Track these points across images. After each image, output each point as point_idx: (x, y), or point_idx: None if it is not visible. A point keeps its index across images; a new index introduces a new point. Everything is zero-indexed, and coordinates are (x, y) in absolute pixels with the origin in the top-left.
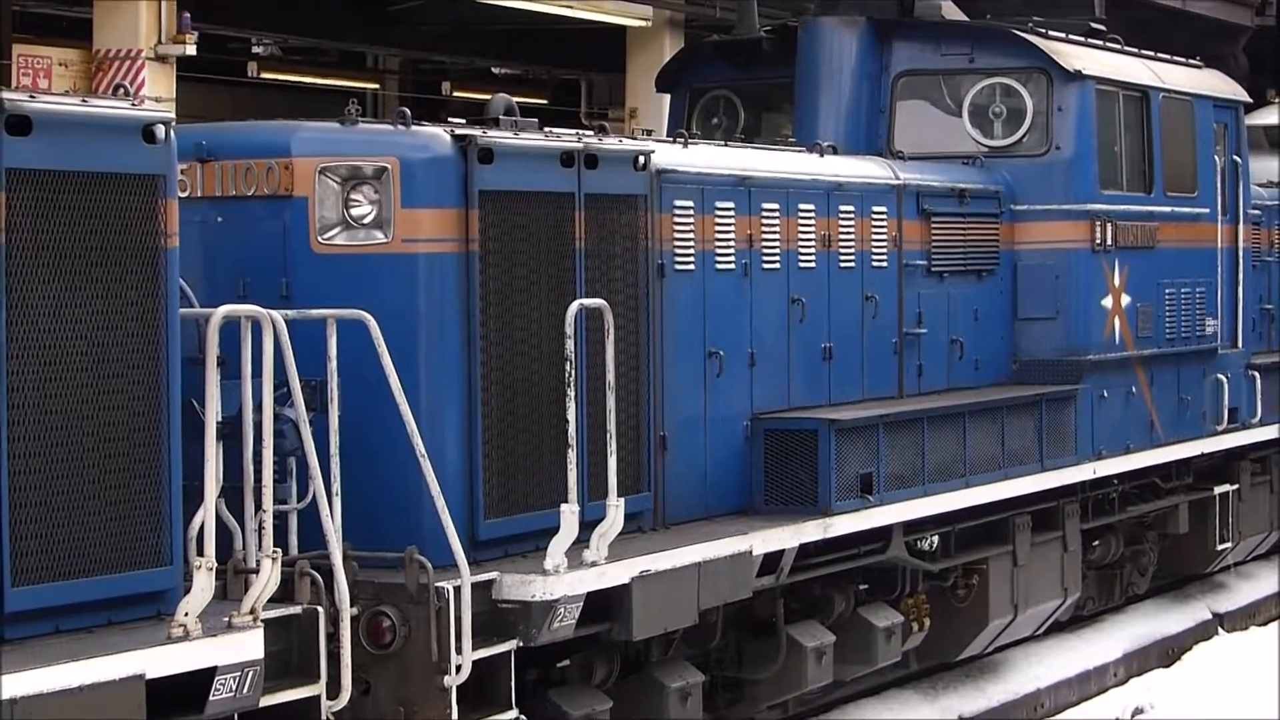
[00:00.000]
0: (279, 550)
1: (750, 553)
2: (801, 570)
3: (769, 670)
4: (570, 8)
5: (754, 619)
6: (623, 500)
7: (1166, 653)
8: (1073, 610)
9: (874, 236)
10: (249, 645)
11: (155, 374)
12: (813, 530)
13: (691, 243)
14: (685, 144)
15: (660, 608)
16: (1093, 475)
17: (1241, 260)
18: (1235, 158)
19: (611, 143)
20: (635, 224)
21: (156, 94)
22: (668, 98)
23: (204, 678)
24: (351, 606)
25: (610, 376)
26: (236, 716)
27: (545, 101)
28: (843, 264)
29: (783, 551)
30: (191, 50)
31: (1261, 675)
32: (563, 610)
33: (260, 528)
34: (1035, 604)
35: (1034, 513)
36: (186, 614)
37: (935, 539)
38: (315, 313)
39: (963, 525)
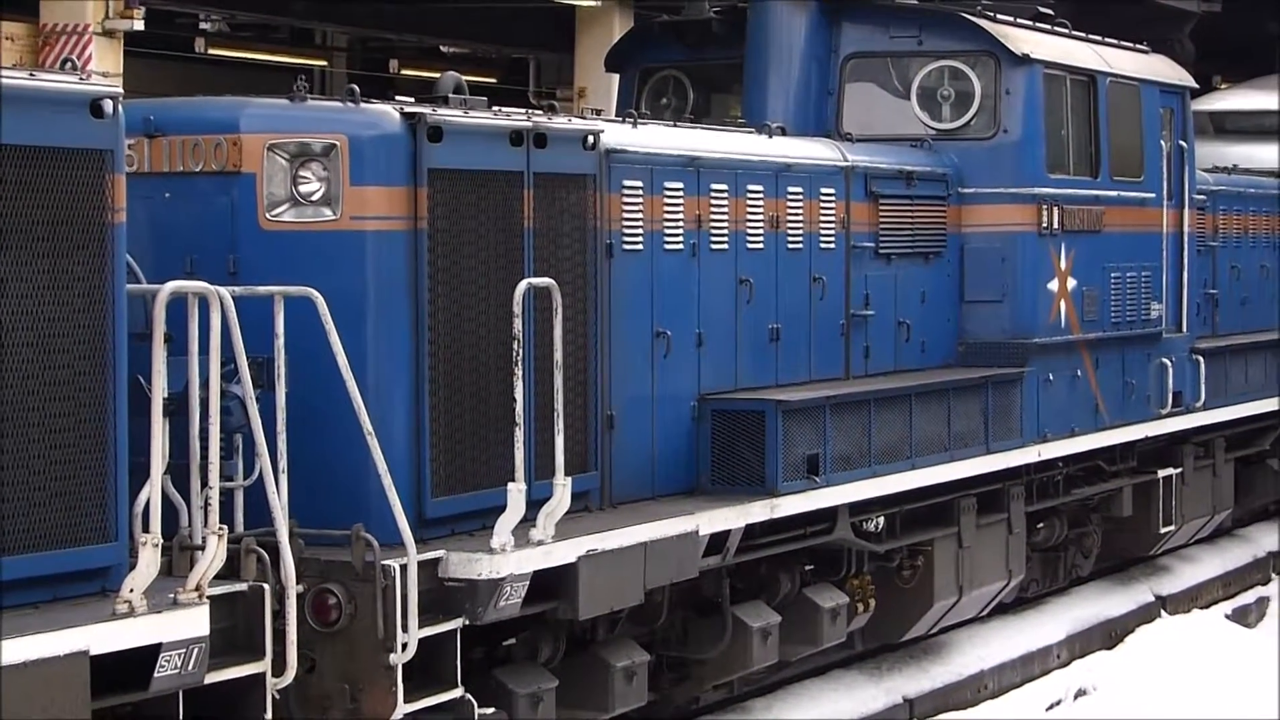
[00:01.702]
0: (225, 527)
1: (696, 533)
2: (747, 550)
3: (714, 650)
4: None
5: (700, 599)
6: (569, 479)
7: (1109, 635)
8: (1017, 592)
9: (822, 218)
10: (194, 622)
11: (101, 350)
12: (759, 511)
13: (640, 223)
14: (634, 124)
15: (606, 587)
16: (1038, 458)
17: (1186, 245)
18: (1181, 143)
19: (561, 122)
20: (584, 203)
21: (104, 69)
22: (617, 77)
23: (149, 654)
24: (297, 584)
25: (557, 356)
26: (181, 693)
27: (494, 80)
28: (791, 245)
29: (729, 532)
30: (139, 25)
31: (1202, 657)
32: (509, 589)
33: (206, 505)
34: (980, 585)
35: (979, 495)
36: (132, 590)
37: (881, 520)
38: (262, 290)
39: (909, 507)
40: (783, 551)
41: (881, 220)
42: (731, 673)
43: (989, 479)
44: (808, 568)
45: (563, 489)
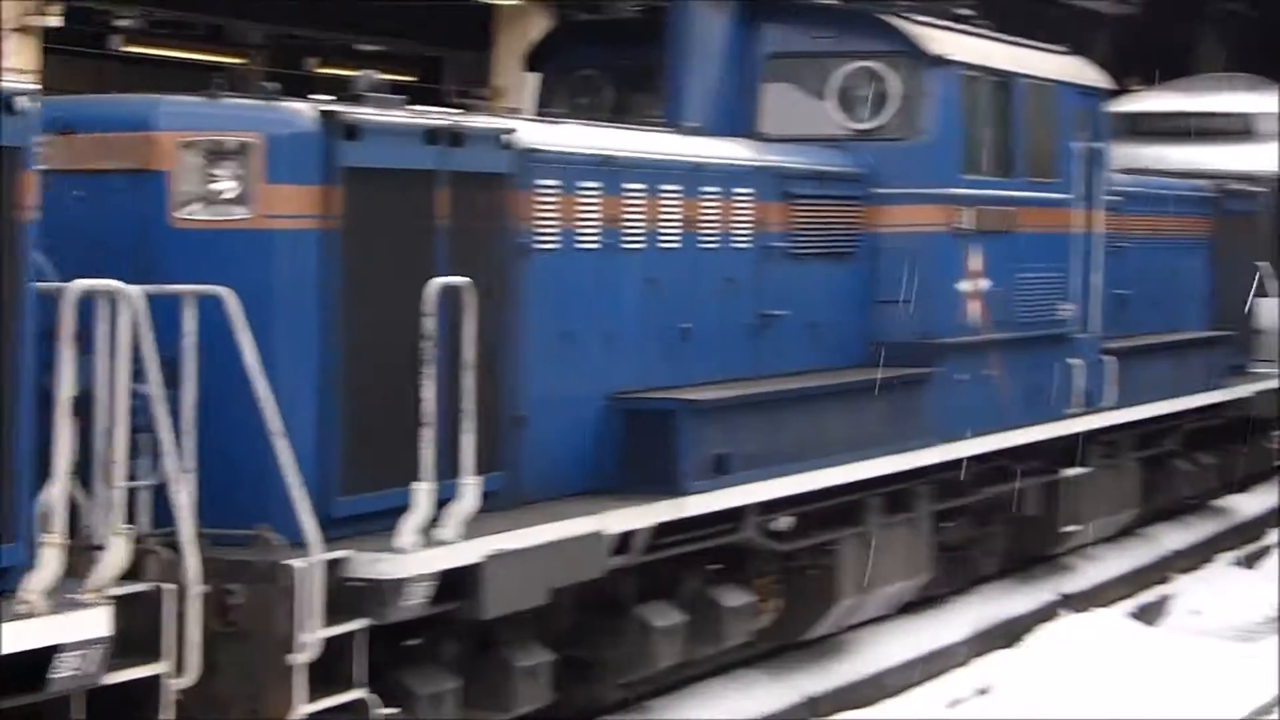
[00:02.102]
0: (129, 527)
1: (603, 533)
2: (654, 550)
3: (619, 649)
4: None
5: (605, 598)
6: (477, 479)
7: (1011, 633)
8: (922, 591)
9: (736, 218)
10: (94, 622)
11: (8, 348)
12: (666, 510)
13: (554, 222)
14: (550, 123)
15: (511, 586)
16: (945, 458)
17: (1098, 246)
18: (1095, 144)
19: (477, 121)
20: (499, 202)
21: (19, 65)
22: (535, 76)
23: (50, 655)
24: (200, 584)
25: (469, 355)
26: (84, 695)
27: (412, 79)
28: (704, 245)
29: (635, 531)
30: (56, 21)
31: (1103, 655)
32: (413, 588)
33: (110, 504)
34: (885, 585)
35: (887, 494)
36: (32, 591)
37: (788, 519)
38: (173, 288)
39: (816, 506)
40: (689, 551)
41: (795, 220)
42: (636, 672)
43: (896, 478)
44: (714, 567)
45: (470, 488)
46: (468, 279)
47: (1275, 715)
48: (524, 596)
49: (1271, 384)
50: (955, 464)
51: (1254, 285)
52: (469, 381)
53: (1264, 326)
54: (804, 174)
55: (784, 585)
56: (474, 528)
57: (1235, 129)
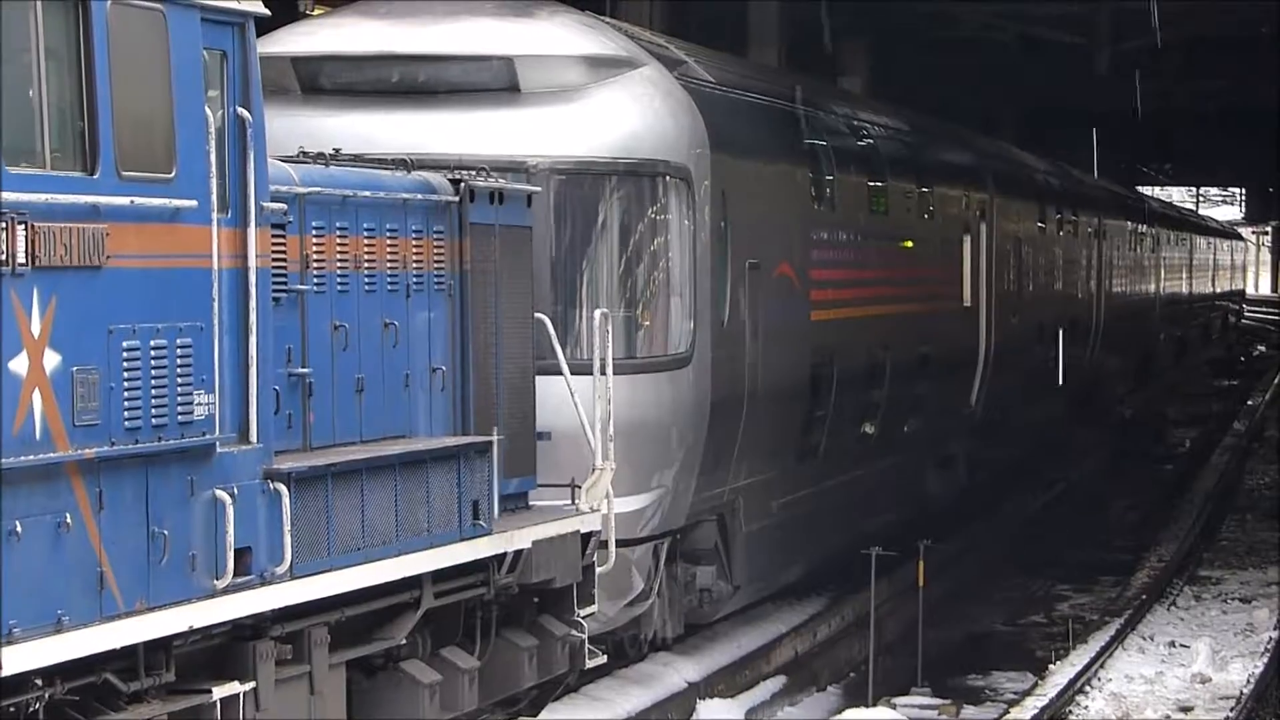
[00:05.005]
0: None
1: None
2: None
3: None
4: None
5: None
6: None
7: None
8: None
9: None
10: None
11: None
12: None
13: None
14: None
15: None
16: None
17: (255, 290)
18: (241, 112)
19: None
20: None
21: None
22: None
23: None
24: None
25: None
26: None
27: None
28: None
29: None
30: None
31: None
32: None
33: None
34: None
35: None
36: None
37: None
38: None
39: None
40: None
41: None
42: None
43: None
44: None
45: None
46: None
47: None
48: None
49: (570, 524)
50: (20, 684)
51: (530, 353)
52: None
53: (554, 426)
54: None
55: None
56: None
57: (489, 83)
